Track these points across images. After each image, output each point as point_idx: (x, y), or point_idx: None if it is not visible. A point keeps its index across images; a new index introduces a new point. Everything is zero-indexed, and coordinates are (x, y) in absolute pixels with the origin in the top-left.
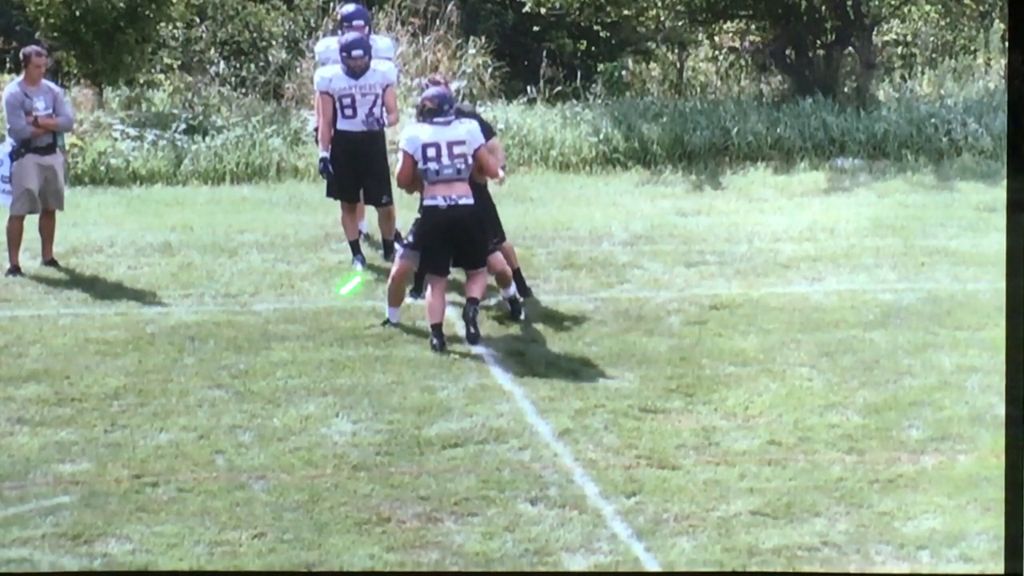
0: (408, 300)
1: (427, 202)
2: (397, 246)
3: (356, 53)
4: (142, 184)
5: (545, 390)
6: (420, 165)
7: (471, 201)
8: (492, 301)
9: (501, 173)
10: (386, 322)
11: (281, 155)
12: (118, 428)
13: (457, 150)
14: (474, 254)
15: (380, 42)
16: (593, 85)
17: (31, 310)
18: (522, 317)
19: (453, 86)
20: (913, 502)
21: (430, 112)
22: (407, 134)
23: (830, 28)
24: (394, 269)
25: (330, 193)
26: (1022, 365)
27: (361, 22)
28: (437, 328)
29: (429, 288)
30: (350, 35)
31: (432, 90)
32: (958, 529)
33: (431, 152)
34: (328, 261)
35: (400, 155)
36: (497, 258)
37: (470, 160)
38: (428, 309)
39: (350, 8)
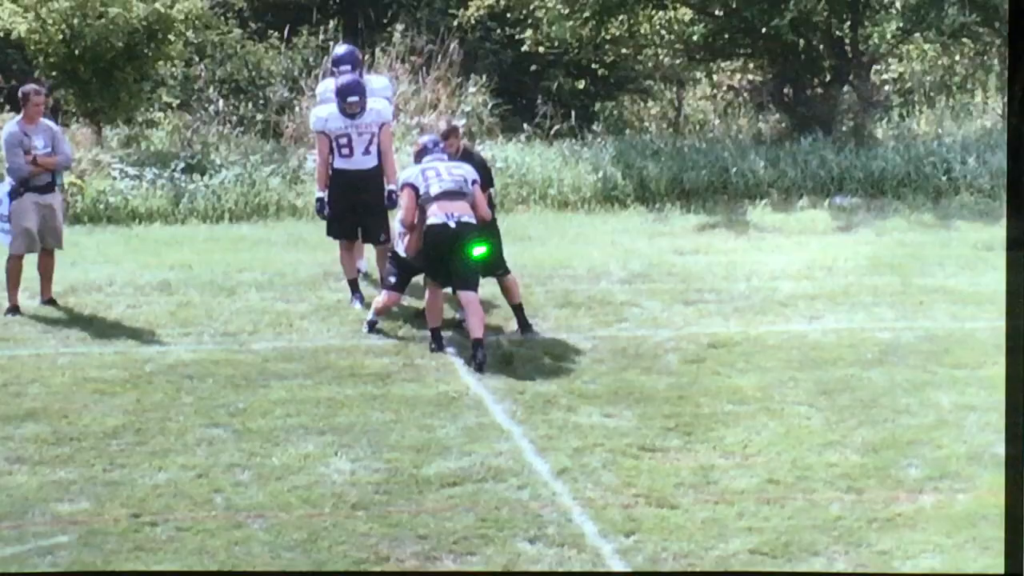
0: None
1: (430, 221)
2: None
3: (351, 100)
4: (141, 223)
5: (543, 429)
6: (422, 189)
7: (473, 220)
8: (491, 337)
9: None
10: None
11: (280, 194)
12: (116, 467)
13: (456, 171)
14: (470, 274)
15: (375, 81)
16: (592, 124)
17: (30, 349)
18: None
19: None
20: (912, 541)
21: (420, 154)
22: (406, 173)
23: (828, 67)
24: (380, 301)
25: (330, 232)
26: (1020, 404)
27: (348, 67)
28: (436, 332)
29: (428, 291)
30: (344, 79)
31: (424, 136)
32: (957, 568)
33: (431, 173)
34: (326, 300)
35: (402, 193)
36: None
37: (469, 183)
38: (427, 312)
39: (340, 51)
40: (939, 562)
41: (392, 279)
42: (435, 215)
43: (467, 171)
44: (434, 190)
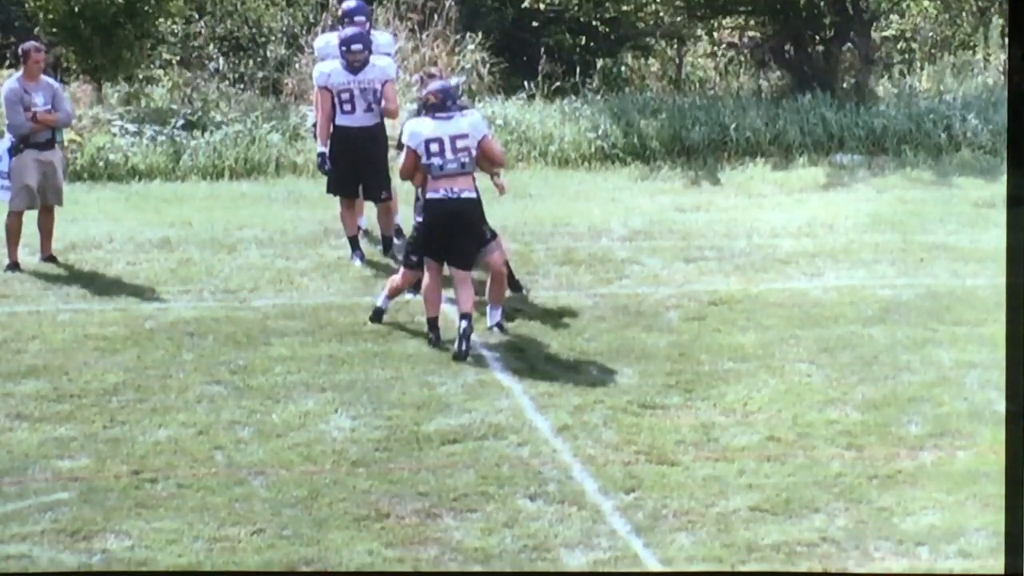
0: (407, 296)
1: (430, 195)
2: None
3: (356, 47)
4: (141, 180)
5: (544, 386)
6: (424, 160)
7: (473, 195)
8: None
9: (504, 181)
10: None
11: (280, 151)
12: (117, 424)
13: (460, 144)
14: (464, 252)
15: (380, 38)
16: (591, 81)
17: (30, 306)
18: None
19: (452, 81)
20: (912, 498)
21: (433, 107)
22: (409, 128)
23: (829, 24)
24: (398, 279)
25: (330, 189)
26: (1021, 361)
27: (362, 17)
28: (433, 321)
29: (425, 277)
30: (350, 30)
31: (436, 84)
32: (957, 525)
33: (434, 147)
34: (327, 257)
35: (403, 150)
36: (497, 260)
37: (473, 152)
38: (424, 301)
39: (351, 3)
40: (939, 519)
41: (413, 257)
42: (435, 190)
43: (473, 136)
44: (435, 171)
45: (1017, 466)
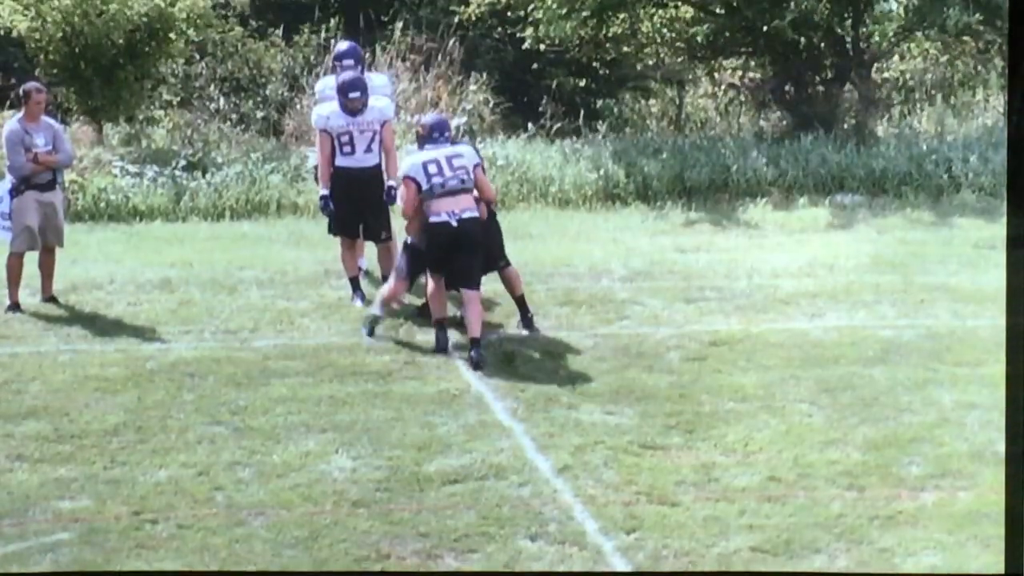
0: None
1: (432, 219)
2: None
3: (353, 95)
4: (142, 220)
5: (545, 426)
6: (424, 185)
7: (475, 213)
8: (491, 336)
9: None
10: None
11: (280, 191)
12: (117, 465)
13: (457, 163)
14: (469, 271)
15: (376, 79)
16: (593, 122)
17: (31, 347)
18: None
19: (453, 123)
20: (913, 538)
21: (423, 139)
22: (407, 163)
23: (829, 65)
24: (388, 288)
25: (331, 230)
26: (1022, 402)
27: (351, 61)
28: (440, 324)
29: (430, 283)
30: (346, 75)
31: (428, 117)
32: (958, 565)
33: (432, 168)
34: (328, 297)
35: (402, 184)
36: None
37: (471, 173)
38: (431, 303)
39: (343, 47)
40: (940, 560)
41: (404, 268)
42: (437, 213)
43: (468, 158)
44: (437, 190)
45: (1017, 507)
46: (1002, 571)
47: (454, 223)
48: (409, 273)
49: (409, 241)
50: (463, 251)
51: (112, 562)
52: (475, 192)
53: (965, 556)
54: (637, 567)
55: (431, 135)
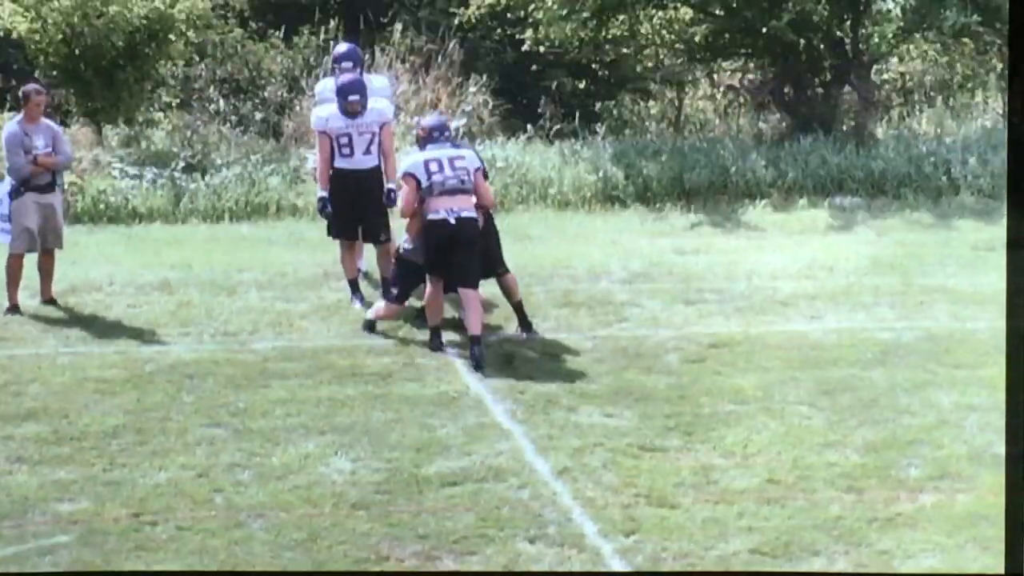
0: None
1: (430, 216)
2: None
3: (352, 98)
4: (141, 222)
5: (544, 428)
6: (424, 182)
7: (473, 214)
8: (492, 337)
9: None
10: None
11: (280, 193)
12: (117, 467)
13: (459, 163)
14: (467, 270)
15: (376, 81)
16: (592, 123)
17: (30, 348)
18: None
19: (453, 125)
20: (912, 541)
21: (423, 140)
22: (408, 160)
23: (829, 67)
24: (380, 309)
25: (330, 232)
26: (1021, 404)
27: (351, 63)
28: (436, 331)
29: (428, 288)
30: (345, 77)
31: (428, 119)
32: (957, 567)
33: (434, 166)
34: (327, 299)
35: (403, 183)
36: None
37: (471, 175)
38: (427, 309)
39: (342, 48)
40: (939, 561)
41: (394, 290)
42: (436, 211)
43: (469, 160)
44: (436, 188)
45: (1017, 509)
46: (1002, 572)
47: (452, 220)
48: (400, 294)
49: (402, 251)
50: (461, 250)
51: (111, 564)
52: (473, 198)
53: (964, 558)
54: (636, 569)
55: (431, 135)
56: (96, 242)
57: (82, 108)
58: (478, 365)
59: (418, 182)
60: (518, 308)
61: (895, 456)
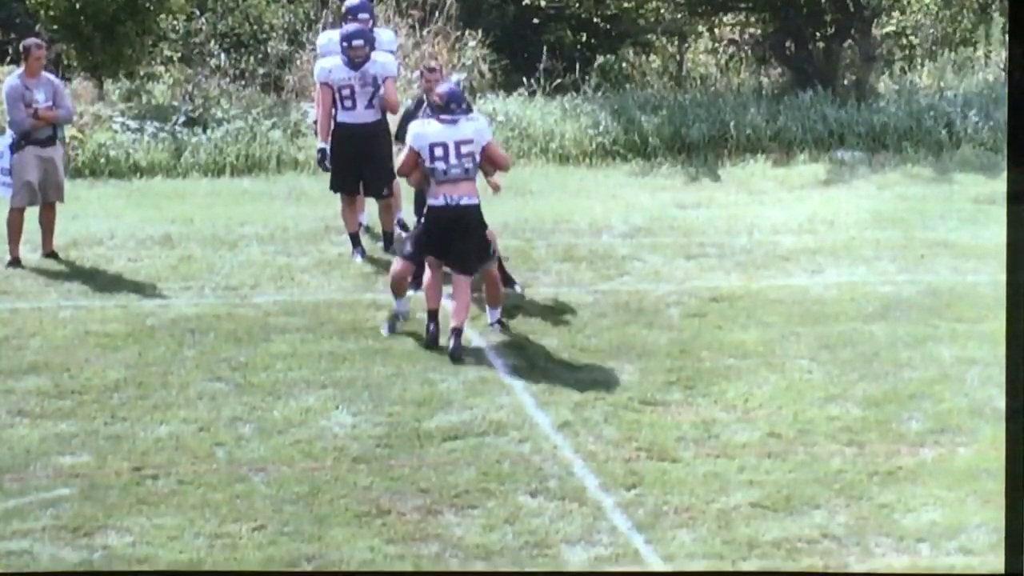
0: (409, 292)
1: (431, 201)
2: (397, 249)
3: (357, 43)
4: (142, 176)
5: (545, 383)
6: (427, 164)
7: (474, 201)
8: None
9: (500, 180)
10: (395, 321)
11: (281, 147)
12: (118, 421)
13: (464, 149)
14: (465, 256)
15: (383, 35)
16: (592, 78)
17: (31, 302)
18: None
19: (453, 78)
20: (913, 494)
21: (438, 108)
22: (414, 130)
23: (830, 21)
24: (394, 268)
25: (332, 186)
26: (1021, 358)
27: (365, 15)
28: (432, 314)
29: (426, 272)
30: (351, 26)
31: (443, 86)
32: (958, 521)
33: (438, 152)
34: (328, 254)
35: (405, 148)
36: (494, 273)
37: (477, 158)
38: (425, 294)
39: (355, 1)
40: (940, 515)
41: (408, 248)
42: (435, 196)
43: (478, 141)
44: (438, 175)
45: (1017, 463)
46: (1002, 571)
47: (452, 207)
48: (413, 253)
49: (417, 223)
50: (458, 235)
51: (112, 517)
52: (475, 184)
53: (965, 512)
54: (637, 523)
55: (448, 106)
56: (97, 196)
57: (83, 62)
58: (453, 358)
59: (418, 157)
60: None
61: (896, 410)
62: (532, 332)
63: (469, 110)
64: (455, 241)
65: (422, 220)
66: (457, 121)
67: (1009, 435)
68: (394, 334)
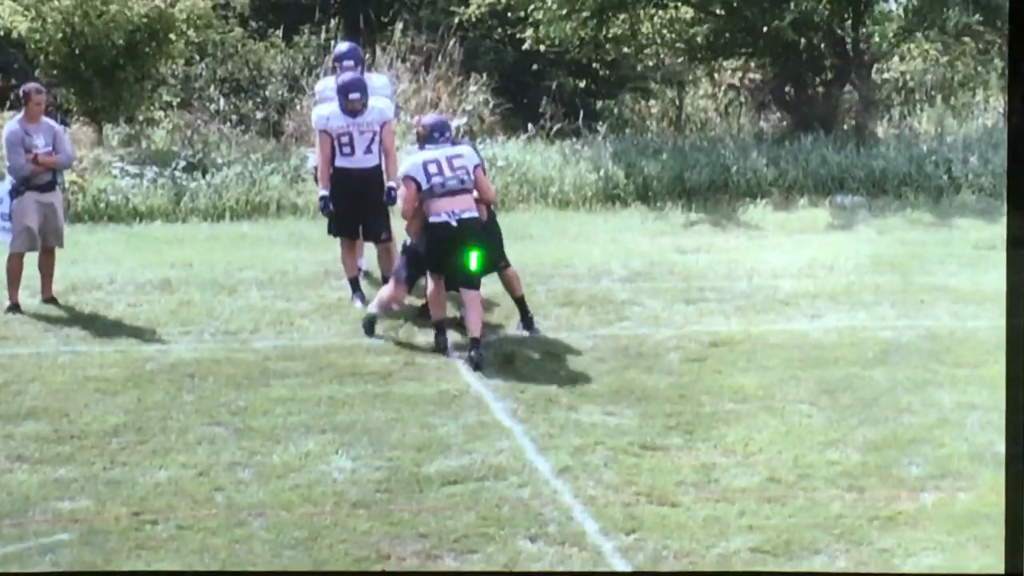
0: (394, 307)
1: (432, 219)
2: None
3: (353, 96)
4: (142, 221)
5: (544, 427)
6: (424, 185)
7: (475, 214)
8: (491, 337)
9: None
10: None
11: (280, 192)
12: (117, 465)
13: (457, 163)
14: (469, 271)
15: (376, 80)
16: (593, 123)
17: (30, 347)
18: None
19: (454, 124)
20: (913, 539)
21: (423, 139)
22: (407, 163)
23: (829, 66)
24: (387, 292)
25: (331, 231)
26: (1021, 403)
27: (351, 62)
28: (440, 325)
29: (430, 284)
30: (346, 76)
31: (429, 117)
32: (958, 566)
33: (433, 168)
34: (327, 298)
35: (402, 184)
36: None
37: (471, 173)
38: (430, 303)
39: (343, 47)
40: (940, 560)
41: (403, 272)
42: (436, 213)
43: (467, 157)
44: (437, 190)
45: (1017, 508)
46: (1002, 571)
47: (454, 223)
48: (408, 277)
49: (408, 243)
50: (463, 251)
51: (112, 563)
52: (475, 193)
53: (965, 557)
54: (637, 568)
55: (431, 135)
56: (97, 241)
57: (83, 107)
58: (477, 366)
59: (418, 185)
60: (520, 303)
61: (896, 455)
62: (531, 376)
63: (454, 143)
64: (460, 258)
65: (411, 243)
66: (444, 146)
67: (1009, 480)
68: (373, 337)
